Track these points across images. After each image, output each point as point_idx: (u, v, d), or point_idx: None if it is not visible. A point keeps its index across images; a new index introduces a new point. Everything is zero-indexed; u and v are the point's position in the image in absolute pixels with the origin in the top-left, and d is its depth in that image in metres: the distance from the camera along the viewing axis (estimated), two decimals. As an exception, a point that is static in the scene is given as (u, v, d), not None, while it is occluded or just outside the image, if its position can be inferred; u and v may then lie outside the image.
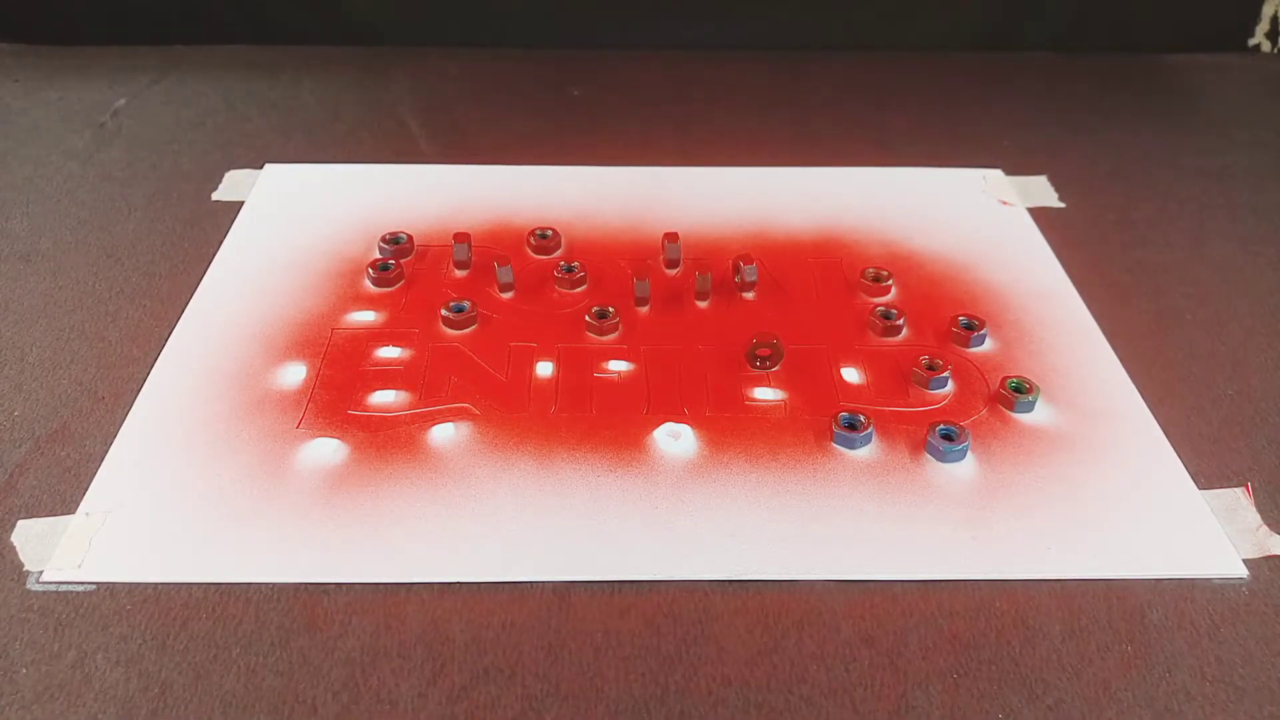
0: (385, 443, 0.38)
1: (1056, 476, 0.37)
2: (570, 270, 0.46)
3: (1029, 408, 0.40)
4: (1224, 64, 0.71)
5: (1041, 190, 0.55)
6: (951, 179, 0.56)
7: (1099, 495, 0.37)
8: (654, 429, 0.39)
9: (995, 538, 0.35)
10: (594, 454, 0.38)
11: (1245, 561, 0.34)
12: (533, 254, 0.49)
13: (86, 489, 0.36)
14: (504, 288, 0.46)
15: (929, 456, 0.38)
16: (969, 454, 0.38)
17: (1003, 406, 0.40)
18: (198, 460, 0.37)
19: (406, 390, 0.40)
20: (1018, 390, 0.40)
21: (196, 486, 0.36)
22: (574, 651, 0.31)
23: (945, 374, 0.41)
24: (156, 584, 0.33)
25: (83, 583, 0.33)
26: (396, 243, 0.48)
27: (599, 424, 0.39)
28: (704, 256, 0.48)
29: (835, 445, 0.38)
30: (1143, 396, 0.41)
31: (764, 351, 0.40)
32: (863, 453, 0.38)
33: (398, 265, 0.47)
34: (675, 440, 0.38)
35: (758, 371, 0.41)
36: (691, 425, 0.39)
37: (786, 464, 0.37)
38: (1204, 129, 0.63)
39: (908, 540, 0.35)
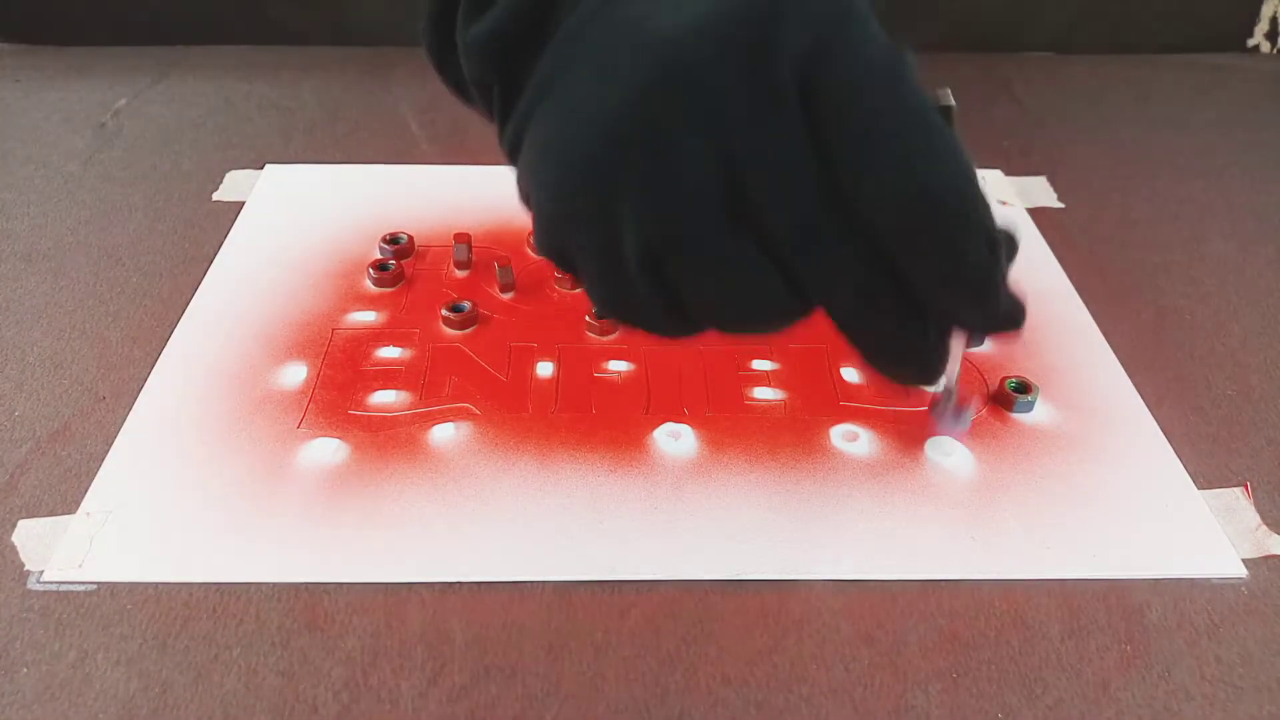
0: (386, 443, 0.38)
1: (1056, 476, 0.37)
2: (570, 270, 0.46)
3: (1029, 408, 0.40)
4: (1224, 64, 0.71)
5: (1041, 190, 0.55)
6: (951, 179, 0.56)
7: (1098, 495, 0.37)
8: (654, 429, 0.39)
9: (995, 538, 0.35)
10: (594, 454, 0.38)
11: (1244, 561, 0.34)
12: (533, 254, 0.49)
13: (87, 489, 0.36)
14: (504, 288, 0.46)
15: (928, 456, 0.38)
16: (969, 454, 0.38)
17: (1002, 407, 0.40)
18: (199, 460, 0.37)
19: (407, 390, 0.40)
20: (1018, 390, 0.40)
21: (197, 486, 0.36)
22: (574, 651, 0.31)
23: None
24: (157, 584, 0.33)
25: (83, 582, 0.33)
26: (396, 243, 0.48)
27: (599, 424, 0.39)
28: (704, 256, 0.48)
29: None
30: (1142, 396, 0.41)
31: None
32: (866, 452, 0.38)
33: (398, 265, 0.47)
34: (675, 440, 0.38)
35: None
36: (691, 425, 0.39)
37: (786, 464, 0.38)
38: (1204, 129, 0.63)
39: (908, 540, 0.35)
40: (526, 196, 0.29)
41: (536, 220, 0.28)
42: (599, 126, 0.25)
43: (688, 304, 0.27)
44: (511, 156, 0.30)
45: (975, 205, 0.24)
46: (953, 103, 0.26)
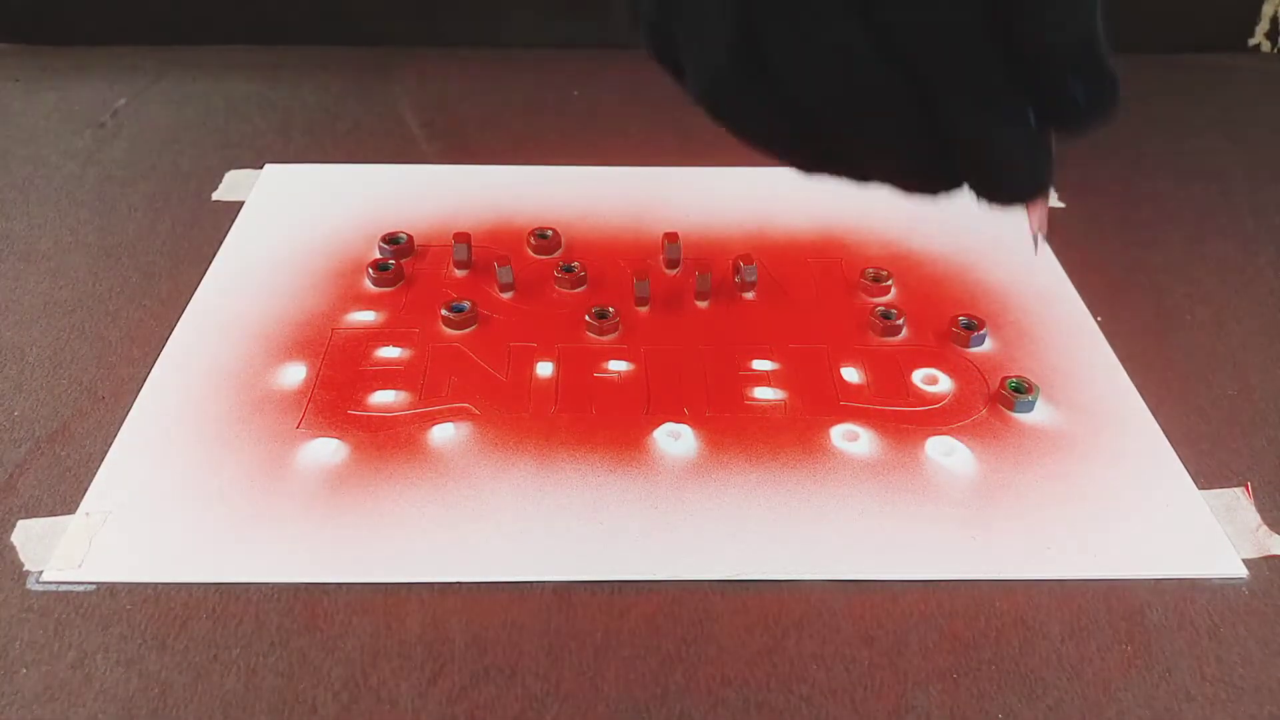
0: (385, 443, 0.38)
1: (1056, 476, 0.37)
2: (570, 270, 0.46)
3: (1029, 408, 0.40)
4: (1224, 64, 0.71)
5: (1041, 190, 0.55)
6: (951, 179, 0.56)
7: (1099, 495, 0.37)
8: (654, 429, 0.39)
9: (995, 538, 0.35)
10: (594, 454, 0.38)
11: (1245, 561, 0.34)
12: (533, 254, 0.49)
13: (87, 489, 0.36)
14: (504, 288, 0.46)
15: (928, 456, 0.38)
16: (970, 454, 0.38)
17: (1003, 407, 0.40)
18: (198, 460, 0.37)
19: (406, 390, 0.40)
20: (1018, 390, 0.40)
21: (197, 486, 0.36)
22: (574, 651, 0.31)
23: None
24: (157, 584, 0.33)
25: (83, 583, 0.33)
26: (396, 243, 0.48)
27: (599, 424, 0.39)
28: (704, 256, 0.48)
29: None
30: (1142, 396, 0.41)
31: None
32: (866, 452, 0.38)
33: (398, 265, 0.47)
34: (675, 440, 0.38)
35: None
36: (691, 425, 0.39)
37: (786, 464, 0.37)
38: (1204, 129, 0.63)
39: (908, 540, 0.35)
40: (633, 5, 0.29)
41: (643, 21, 0.28)
42: None
43: (778, 76, 0.26)
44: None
45: None
46: None
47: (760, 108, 0.27)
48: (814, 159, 0.28)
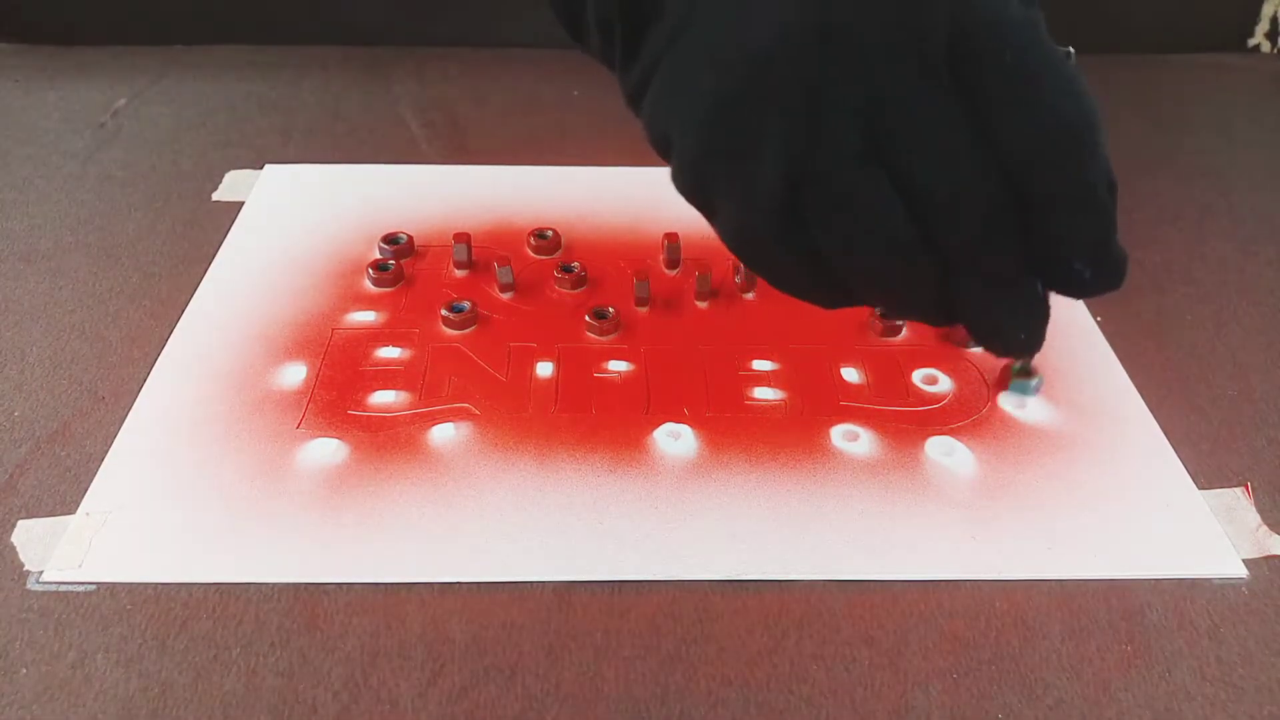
0: (385, 443, 0.38)
1: (1056, 476, 0.37)
2: (570, 270, 0.46)
3: (1025, 390, 0.40)
4: (1224, 64, 0.71)
5: (1041, 190, 0.55)
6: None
7: (1099, 495, 0.37)
8: (654, 429, 0.39)
9: (995, 538, 0.35)
10: (594, 454, 0.38)
11: (1245, 561, 0.34)
12: (533, 254, 0.49)
13: (87, 489, 0.36)
14: (504, 288, 0.46)
15: (928, 456, 0.38)
16: (970, 454, 0.38)
17: (1001, 393, 0.40)
18: (198, 460, 0.37)
19: (406, 390, 0.40)
20: (1022, 373, 0.40)
21: (197, 486, 0.36)
22: (574, 652, 0.31)
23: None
24: (157, 584, 0.33)
25: (83, 583, 0.33)
26: (396, 243, 0.48)
27: (599, 424, 0.39)
28: (704, 256, 0.48)
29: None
30: (1143, 396, 0.41)
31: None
32: (866, 452, 0.38)
33: (398, 265, 0.47)
34: (675, 440, 0.38)
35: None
36: (691, 425, 0.39)
37: (786, 464, 0.37)
38: (1204, 129, 0.63)
39: (908, 540, 0.35)
40: (662, 137, 0.29)
41: (678, 159, 0.29)
42: (747, 66, 0.26)
43: (818, 241, 0.27)
44: (634, 100, 0.31)
45: (1103, 141, 0.26)
46: (1072, 50, 0.28)
47: (791, 259, 0.28)
48: (833, 302, 0.30)
